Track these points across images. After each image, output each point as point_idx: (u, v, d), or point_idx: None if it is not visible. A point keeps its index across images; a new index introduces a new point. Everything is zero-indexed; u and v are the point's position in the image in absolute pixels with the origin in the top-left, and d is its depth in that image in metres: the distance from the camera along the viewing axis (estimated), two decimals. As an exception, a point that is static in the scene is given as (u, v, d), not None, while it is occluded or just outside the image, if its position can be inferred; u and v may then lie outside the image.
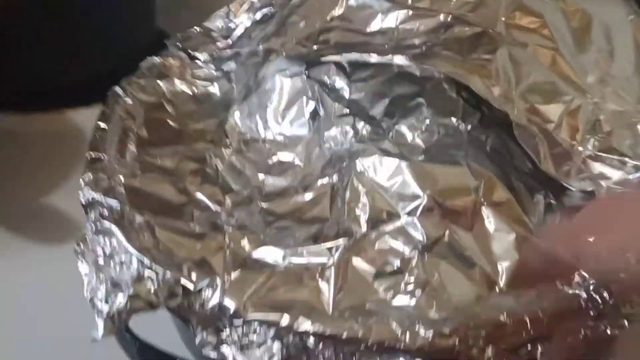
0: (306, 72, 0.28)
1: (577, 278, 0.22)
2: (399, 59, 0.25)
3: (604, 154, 0.23)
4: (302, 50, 0.26)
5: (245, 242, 0.24)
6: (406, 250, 0.23)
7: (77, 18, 0.46)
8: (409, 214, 0.23)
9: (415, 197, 0.23)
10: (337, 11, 0.27)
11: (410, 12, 0.26)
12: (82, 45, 0.47)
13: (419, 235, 0.23)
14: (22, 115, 0.47)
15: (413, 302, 0.21)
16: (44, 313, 0.33)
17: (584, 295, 0.21)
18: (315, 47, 0.26)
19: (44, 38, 0.45)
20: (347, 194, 0.24)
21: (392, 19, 0.26)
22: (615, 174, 0.23)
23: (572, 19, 0.27)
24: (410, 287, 0.22)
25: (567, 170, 0.23)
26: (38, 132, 0.46)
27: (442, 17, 0.25)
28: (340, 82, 0.27)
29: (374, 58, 0.25)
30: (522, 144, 0.23)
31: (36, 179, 0.42)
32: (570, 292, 0.22)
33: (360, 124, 0.26)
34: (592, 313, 0.21)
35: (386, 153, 0.25)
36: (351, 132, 0.26)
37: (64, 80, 0.47)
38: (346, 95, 0.27)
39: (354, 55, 0.26)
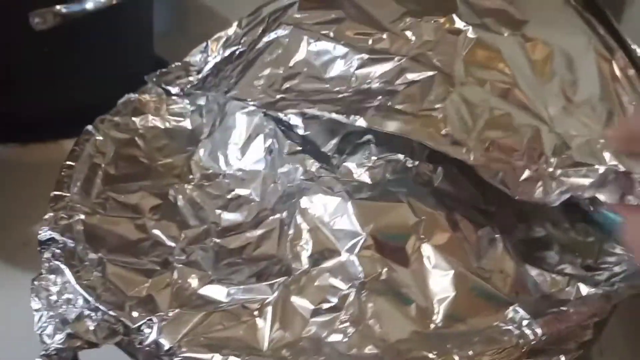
0: (264, 109, 0.29)
1: (510, 314, 0.22)
2: (357, 121, 0.24)
3: (571, 169, 0.23)
4: (267, 100, 0.27)
5: (192, 279, 0.24)
6: (344, 287, 0.23)
7: (76, 48, 0.47)
8: (349, 251, 0.24)
9: (356, 234, 0.24)
10: (299, 56, 0.27)
11: (367, 57, 0.26)
12: (80, 75, 0.48)
13: (357, 272, 0.23)
14: (20, 146, 0.48)
15: (346, 339, 0.22)
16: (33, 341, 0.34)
17: (516, 331, 0.22)
18: (279, 95, 0.27)
19: (43, 69, 0.46)
20: (291, 231, 0.25)
21: (349, 65, 0.26)
22: (588, 181, 0.23)
23: (532, 52, 0.27)
24: (345, 325, 0.22)
25: (542, 190, 0.23)
26: (35, 162, 0.47)
27: (396, 60, 0.26)
28: (295, 120, 0.28)
29: (335, 116, 0.25)
30: (491, 182, 0.24)
31: (32, 208, 0.44)
32: (503, 327, 0.22)
33: (310, 161, 0.27)
34: (523, 349, 0.21)
35: (330, 191, 0.25)
36: (301, 170, 0.27)
37: (62, 111, 0.48)
38: (301, 132, 0.28)
39: (315, 112, 0.26)
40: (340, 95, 0.25)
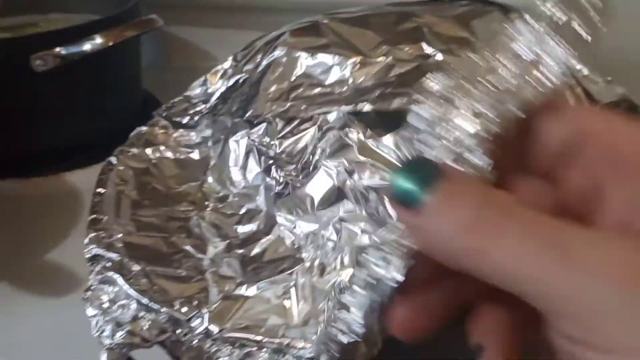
0: (248, 135, 0.33)
1: None
2: (363, 106, 0.29)
3: None
4: (279, 110, 0.32)
5: (226, 284, 0.28)
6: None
7: (72, 87, 0.50)
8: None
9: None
10: (299, 70, 0.32)
11: (359, 61, 0.31)
12: (76, 112, 0.51)
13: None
14: (24, 180, 0.51)
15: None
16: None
17: None
18: (288, 104, 0.31)
19: (42, 108, 0.49)
20: None
21: (344, 70, 0.31)
22: None
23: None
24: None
25: None
26: (39, 195, 0.50)
27: (384, 61, 0.30)
28: (270, 140, 0.32)
29: (344, 108, 0.30)
30: None
31: (39, 237, 0.46)
32: None
33: (278, 170, 0.31)
34: None
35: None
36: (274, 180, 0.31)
37: (60, 146, 0.51)
38: (276, 149, 0.32)
39: (324, 110, 0.30)
40: (343, 96, 0.30)
